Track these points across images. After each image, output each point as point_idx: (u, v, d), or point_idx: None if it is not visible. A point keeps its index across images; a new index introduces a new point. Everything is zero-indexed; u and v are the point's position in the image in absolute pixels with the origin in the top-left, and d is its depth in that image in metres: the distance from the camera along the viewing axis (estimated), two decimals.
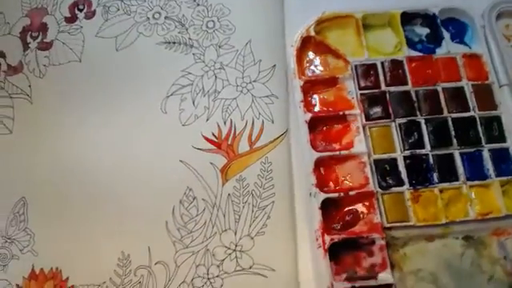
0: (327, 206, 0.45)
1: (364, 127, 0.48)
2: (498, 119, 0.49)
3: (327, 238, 0.43)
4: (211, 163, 0.47)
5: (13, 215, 0.49)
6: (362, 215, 0.45)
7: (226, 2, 0.53)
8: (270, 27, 0.52)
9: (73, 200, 0.49)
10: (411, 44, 0.52)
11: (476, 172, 0.47)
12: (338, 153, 0.47)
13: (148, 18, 0.54)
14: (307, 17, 0.52)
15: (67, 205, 0.49)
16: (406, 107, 0.49)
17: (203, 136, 0.48)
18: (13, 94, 0.54)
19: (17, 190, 0.50)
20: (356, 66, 0.50)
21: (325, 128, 0.49)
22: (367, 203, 0.45)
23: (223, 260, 0.44)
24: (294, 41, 0.51)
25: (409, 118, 0.48)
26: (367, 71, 0.50)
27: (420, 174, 0.46)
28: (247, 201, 0.45)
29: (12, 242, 0.49)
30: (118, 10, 0.55)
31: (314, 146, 0.47)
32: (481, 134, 0.48)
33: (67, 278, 0.46)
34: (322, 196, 0.44)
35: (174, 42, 0.52)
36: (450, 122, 0.48)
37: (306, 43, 0.51)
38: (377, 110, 0.49)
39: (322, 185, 0.46)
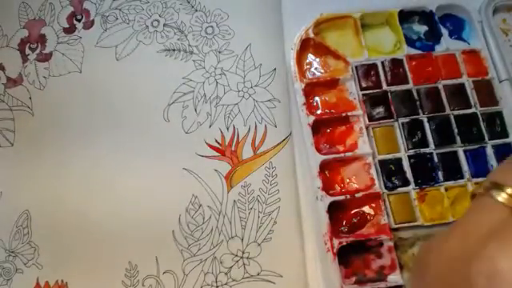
0: (333, 209, 0.44)
1: (367, 128, 0.48)
2: (499, 115, 0.48)
3: (335, 242, 0.43)
4: (215, 170, 0.47)
5: (16, 229, 0.49)
6: (369, 217, 0.45)
7: (223, 7, 0.53)
8: (268, 30, 0.52)
9: (77, 211, 0.48)
10: (410, 42, 0.51)
11: (480, 169, 0.47)
12: (342, 155, 0.46)
13: (147, 26, 0.53)
14: (305, 19, 0.51)
15: (72, 217, 0.48)
16: (409, 106, 0.48)
17: (206, 143, 0.48)
18: (13, 107, 0.53)
19: (20, 204, 0.50)
20: (356, 67, 0.50)
21: (328, 130, 0.49)
22: (374, 205, 0.45)
23: (231, 267, 0.44)
24: (293, 43, 0.51)
25: (411, 117, 0.48)
26: (368, 71, 0.50)
27: (425, 172, 0.46)
28: (253, 207, 0.45)
29: (16, 255, 0.48)
30: (117, 19, 0.54)
31: (317, 149, 0.47)
32: (483, 131, 0.48)
33: None
34: (329, 199, 0.44)
35: (174, 50, 0.52)
36: (453, 120, 0.48)
37: (305, 45, 0.51)
38: (379, 110, 0.48)
39: (327, 188, 0.45)
